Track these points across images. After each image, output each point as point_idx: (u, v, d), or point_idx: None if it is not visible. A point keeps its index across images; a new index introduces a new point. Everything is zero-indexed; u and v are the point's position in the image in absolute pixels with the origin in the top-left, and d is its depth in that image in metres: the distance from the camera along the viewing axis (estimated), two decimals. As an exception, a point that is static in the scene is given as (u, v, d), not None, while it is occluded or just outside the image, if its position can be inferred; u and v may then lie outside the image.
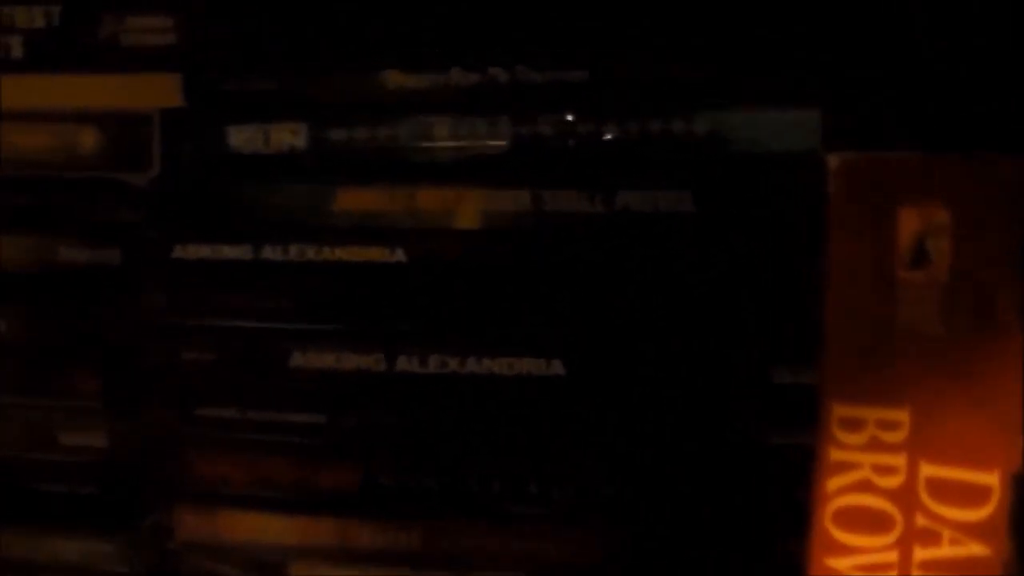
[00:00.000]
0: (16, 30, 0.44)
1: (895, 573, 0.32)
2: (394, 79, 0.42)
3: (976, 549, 0.31)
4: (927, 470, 0.32)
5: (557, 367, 0.41)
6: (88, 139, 0.44)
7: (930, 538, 0.32)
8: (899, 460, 0.32)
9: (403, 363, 0.42)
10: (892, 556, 0.32)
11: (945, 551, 0.32)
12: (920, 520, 0.32)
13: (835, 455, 0.33)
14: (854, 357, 0.32)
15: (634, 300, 0.41)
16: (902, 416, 0.32)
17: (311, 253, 0.42)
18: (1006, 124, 0.36)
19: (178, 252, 0.44)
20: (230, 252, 0.43)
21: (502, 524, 0.42)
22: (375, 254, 0.42)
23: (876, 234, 0.32)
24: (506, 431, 0.42)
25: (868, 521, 0.33)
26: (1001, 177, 0.31)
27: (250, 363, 0.44)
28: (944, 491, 0.32)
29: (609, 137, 0.41)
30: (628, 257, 0.41)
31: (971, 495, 0.31)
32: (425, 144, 0.42)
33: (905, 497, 0.32)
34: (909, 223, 0.32)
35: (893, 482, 0.32)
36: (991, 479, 0.31)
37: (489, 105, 0.41)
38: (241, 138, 0.43)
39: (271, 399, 0.44)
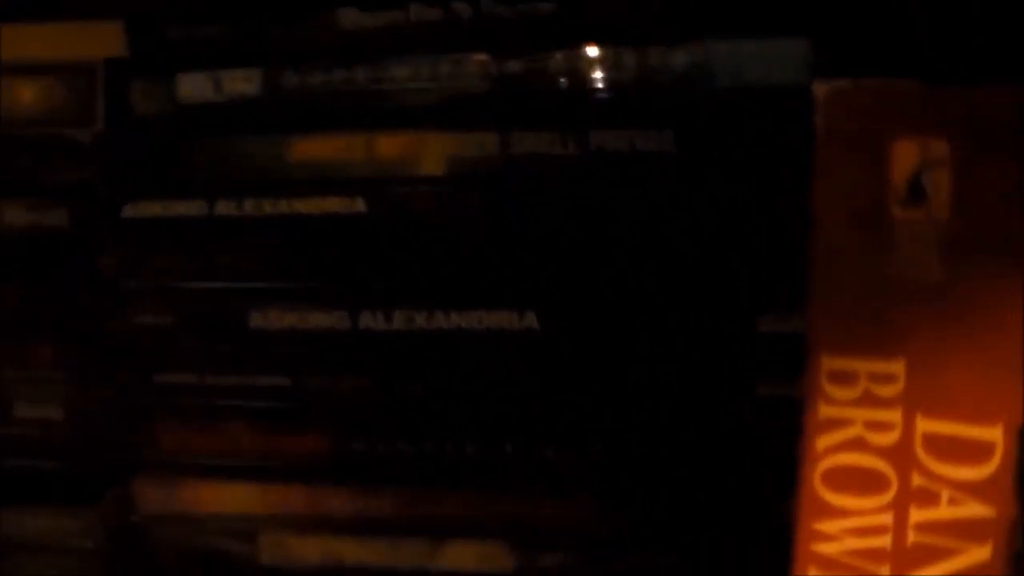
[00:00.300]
0: (-55, -21, 0.41)
1: (889, 536, 0.30)
2: (350, 18, 0.39)
3: (977, 509, 0.29)
4: (924, 425, 0.29)
5: (530, 320, 0.39)
6: (27, 93, 0.41)
7: (927, 498, 0.30)
8: (894, 415, 0.30)
9: (367, 320, 0.40)
10: (886, 518, 0.30)
11: (943, 512, 0.30)
12: (916, 479, 0.30)
13: (825, 411, 0.30)
14: (844, 304, 0.30)
15: (611, 247, 0.38)
16: (897, 368, 0.30)
17: (267, 207, 0.40)
18: (1006, 53, 0.33)
19: (128, 211, 0.41)
20: (183, 209, 0.41)
21: (478, 488, 0.40)
22: (334, 205, 0.39)
23: (868, 169, 0.29)
24: (478, 389, 0.40)
25: (861, 481, 0.30)
26: (1004, 107, 0.28)
27: (208, 325, 0.41)
28: (942, 448, 0.29)
29: (581, 74, 0.38)
30: (604, 201, 0.38)
31: (972, 451, 0.29)
32: (384, 87, 0.39)
33: (900, 455, 0.30)
34: (904, 156, 0.29)
35: (887, 439, 0.30)
36: (993, 434, 0.29)
37: (452, 43, 0.39)
38: (190, 87, 0.41)
39: (232, 362, 0.41)
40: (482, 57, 0.39)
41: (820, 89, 0.30)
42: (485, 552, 0.40)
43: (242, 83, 0.40)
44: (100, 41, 0.40)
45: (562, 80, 0.38)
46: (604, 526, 0.39)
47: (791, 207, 0.35)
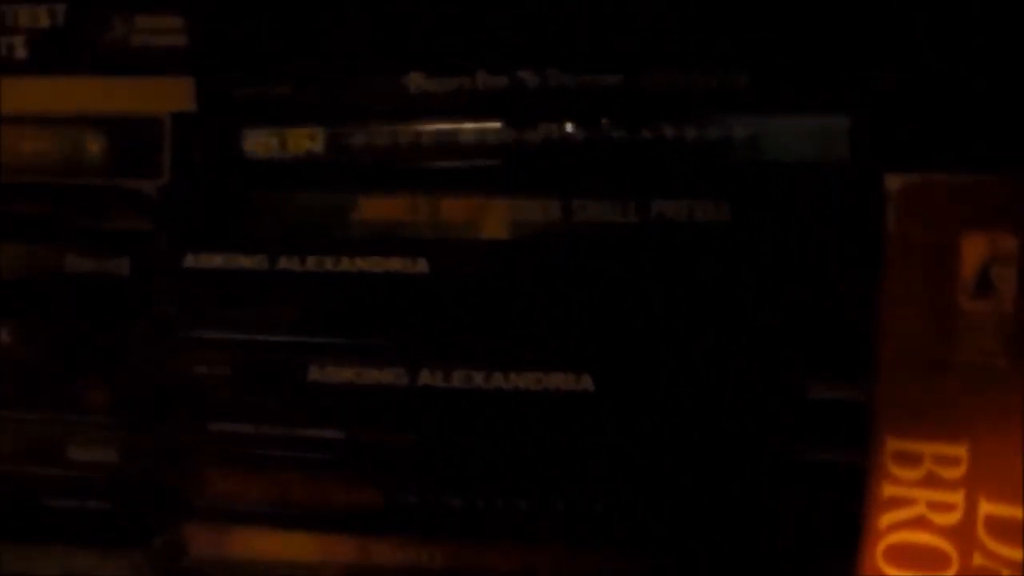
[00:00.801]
0: (19, 30, 0.41)
1: (951, 613, 0.31)
2: (416, 82, 0.40)
3: (1038, 591, 0.30)
4: (986, 508, 0.31)
5: (586, 382, 0.40)
6: (95, 144, 0.42)
7: (988, 578, 0.31)
8: (957, 497, 0.31)
9: (426, 377, 0.40)
10: (948, 596, 0.31)
11: (1005, 592, 0.31)
12: (978, 559, 0.31)
13: (889, 490, 0.31)
14: (910, 389, 0.31)
15: (667, 313, 0.39)
16: (960, 451, 0.31)
17: (329, 263, 0.41)
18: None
19: (190, 262, 0.42)
20: (244, 262, 0.41)
21: (528, 543, 0.41)
22: (396, 264, 0.40)
23: (938, 260, 0.30)
24: (533, 448, 0.40)
25: (923, 559, 0.31)
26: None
27: (266, 377, 0.42)
28: (1003, 530, 0.30)
29: (642, 144, 0.39)
30: (661, 268, 0.39)
31: (1033, 535, 0.30)
32: (449, 150, 0.40)
33: (962, 535, 0.31)
34: (974, 250, 0.30)
35: (950, 519, 0.31)
36: (1054, 519, 0.30)
37: (517, 110, 0.39)
38: (256, 143, 0.41)
39: (288, 414, 0.42)
40: (547, 124, 0.39)
41: (893, 183, 0.31)
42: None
43: (307, 141, 0.41)
44: (169, 96, 0.41)
45: (624, 150, 0.39)
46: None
47: (840, 276, 0.36)
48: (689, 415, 0.40)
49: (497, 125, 0.40)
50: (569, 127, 0.39)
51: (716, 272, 0.39)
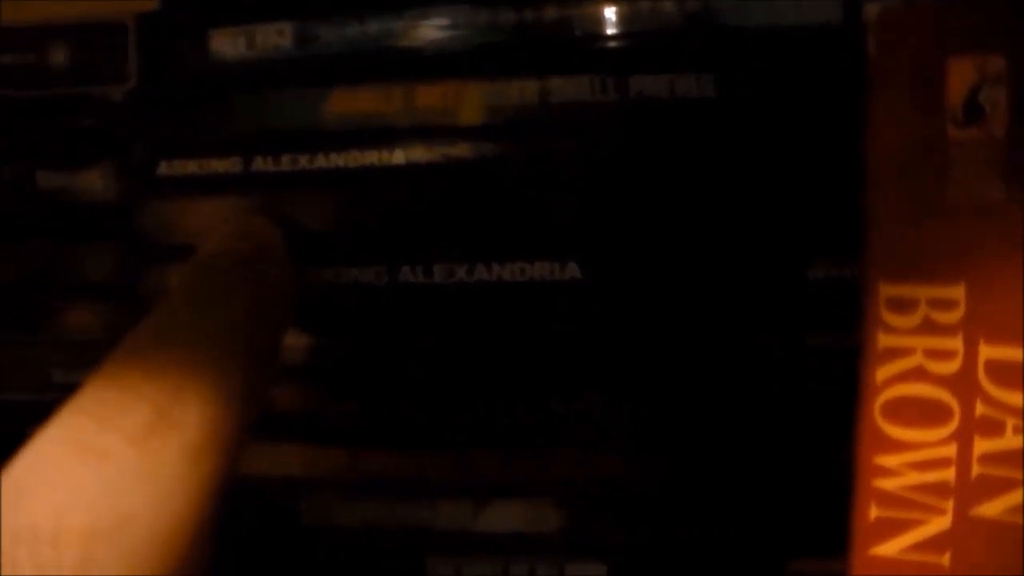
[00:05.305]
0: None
1: (953, 469, 0.29)
2: (384, -33, 0.39)
3: (1045, 437, 0.28)
4: (987, 352, 0.29)
5: (572, 270, 0.38)
6: (58, 53, 0.41)
7: (992, 428, 0.29)
8: (955, 343, 0.29)
9: (407, 274, 0.39)
10: (950, 450, 0.29)
11: (1009, 441, 0.29)
12: (980, 408, 0.29)
13: (884, 341, 0.29)
14: (902, 229, 0.29)
15: (654, 194, 0.38)
16: (957, 293, 0.29)
17: (304, 161, 0.39)
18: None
19: (163, 169, 0.41)
20: (219, 165, 0.40)
21: (522, 446, 0.39)
22: (372, 158, 0.39)
23: (922, 90, 0.28)
24: (520, 343, 0.39)
25: (922, 412, 0.29)
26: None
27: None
28: (1006, 375, 0.29)
29: (620, 19, 0.38)
30: (645, 148, 0.38)
31: (1038, 377, 0.28)
32: (421, 37, 0.39)
33: (963, 384, 0.29)
34: (960, 75, 0.28)
35: (949, 367, 0.29)
36: (1060, 357, 0.28)
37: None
38: (224, 42, 0.40)
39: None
40: (518, 4, 0.38)
41: (872, 10, 0.29)
42: (530, 512, 0.40)
43: (275, 37, 0.40)
44: (133, -2, 0.40)
45: (601, 26, 0.38)
46: (653, 479, 0.38)
47: (837, 148, 0.35)
48: (682, 302, 0.38)
49: (467, 7, 0.38)
50: (542, 4, 0.38)
51: (704, 149, 0.37)
